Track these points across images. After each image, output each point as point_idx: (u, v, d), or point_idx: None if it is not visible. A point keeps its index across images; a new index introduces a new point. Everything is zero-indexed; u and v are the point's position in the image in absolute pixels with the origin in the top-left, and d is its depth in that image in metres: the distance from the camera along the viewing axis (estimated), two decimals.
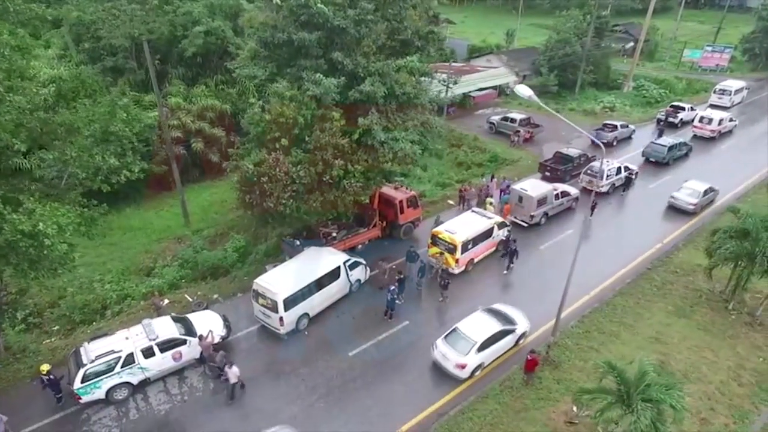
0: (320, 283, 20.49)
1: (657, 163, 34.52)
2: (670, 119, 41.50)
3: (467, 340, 17.74)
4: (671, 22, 69.44)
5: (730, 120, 39.98)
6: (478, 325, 18.38)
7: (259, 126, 19.74)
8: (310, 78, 19.06)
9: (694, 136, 39.36)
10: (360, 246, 24.84)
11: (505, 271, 23.83)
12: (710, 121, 38.69)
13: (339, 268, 21.29)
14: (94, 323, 21.37)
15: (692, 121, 40.45)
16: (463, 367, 17.56)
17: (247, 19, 21.31)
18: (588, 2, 51.26)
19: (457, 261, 22.85)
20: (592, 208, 26.60)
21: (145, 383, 17.62)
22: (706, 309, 21.22)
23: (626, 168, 31.61)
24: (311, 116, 19.29)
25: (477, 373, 18.10)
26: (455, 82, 27.20)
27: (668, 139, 35.09)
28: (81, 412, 16.80)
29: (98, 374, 16.45)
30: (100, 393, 16.66)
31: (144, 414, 16.88)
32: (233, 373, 16.84)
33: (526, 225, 27.09)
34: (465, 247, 22.90)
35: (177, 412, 16.94)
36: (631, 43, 62.00)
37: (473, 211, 25.59)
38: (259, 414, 16.69)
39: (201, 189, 33.70)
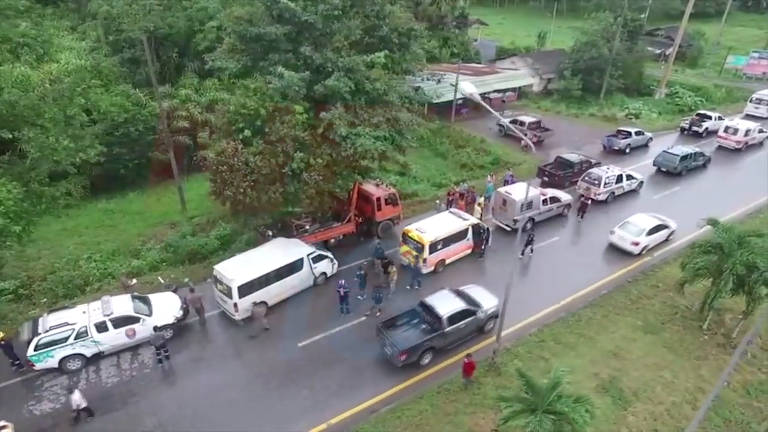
0: (279, 273, 20.80)
1: (668, 173, 32.74)
2: (694, 128, 39.21)
3: (639, 227, 24.60)
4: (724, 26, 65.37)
5: (760, 131, 37.29)
6: (643, 219, 25.23)
7: (225, 117, 20.31)
8: (275, 71, 19.42)
9: (719, 146, 37.09)
10: (333, 240, 24.94)
11: (417, 287, 22.35)
12: (736, 131, 36.28)
13: (302, 260, 21.52)
14: (75, 298, 22.61)
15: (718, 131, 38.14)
16: (636, 244, 24.19)
17: (227, 14, 21.94)
18: (623, 5, 49.27)
19: (424, 260, 22.61)
20: (528, 243, 24.41)
21: (98, 356, 18.54)
22: (678, 327, 20.00)
23: (629, 176, 30.22)
24: (273, 108, 19.64)
25: (643, 253, 24.52)
26: (439, 81, 26.80)
27: (682, 148, 33.18)
28: (37, 379, 17.87)
29: (51, 344, 17.43)
30: (53, 362, 17.64)
31: (93, 385, 17.75)
32: (74, 399, 15.65)
33: (509, 229, 26.39)
34: (434, 248, 22.62)
35: (122, 387, 17.67)
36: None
37: (450, 211, 25.21)
38: (198, 395, 17.20)
39: (204, 178, 34.74)
